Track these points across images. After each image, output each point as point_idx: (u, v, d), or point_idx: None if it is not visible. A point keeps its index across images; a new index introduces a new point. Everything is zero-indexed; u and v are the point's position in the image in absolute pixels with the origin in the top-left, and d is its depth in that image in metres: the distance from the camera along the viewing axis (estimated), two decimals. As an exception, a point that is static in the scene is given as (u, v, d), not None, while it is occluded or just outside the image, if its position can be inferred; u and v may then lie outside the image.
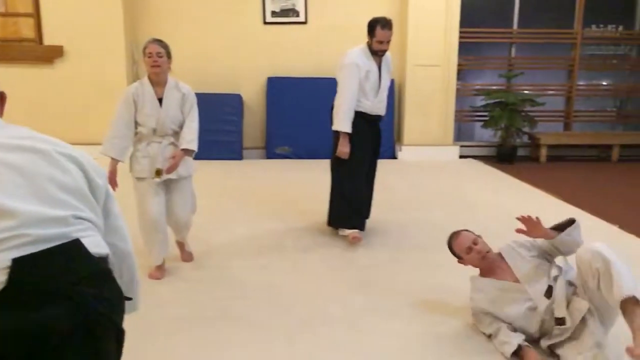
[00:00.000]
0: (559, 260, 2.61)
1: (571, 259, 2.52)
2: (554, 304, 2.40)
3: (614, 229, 4.37)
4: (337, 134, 3.96)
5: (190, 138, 3.23)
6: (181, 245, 3.61)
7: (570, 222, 2.51)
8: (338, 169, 4.06)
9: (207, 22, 7.24)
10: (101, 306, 1.21)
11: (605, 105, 8.11)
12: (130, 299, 1.44)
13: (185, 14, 7.20)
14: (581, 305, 2.32)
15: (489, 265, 2.65)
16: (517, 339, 2.44)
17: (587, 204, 5.06)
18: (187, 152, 3.25)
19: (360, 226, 4.07)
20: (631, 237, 4.17)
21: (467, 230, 2.77)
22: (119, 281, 1.45)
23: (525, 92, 7.69)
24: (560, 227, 2.54)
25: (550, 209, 5.02)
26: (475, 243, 2.65)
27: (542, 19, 7.68)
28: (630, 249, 3.97)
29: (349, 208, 4.03)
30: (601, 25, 7.77)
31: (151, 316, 2.81)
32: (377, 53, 3.90)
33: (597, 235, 4.29)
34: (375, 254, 3.84)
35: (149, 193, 3.26)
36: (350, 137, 3.89)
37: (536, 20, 7.65)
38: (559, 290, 2.41)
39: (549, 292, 2.42)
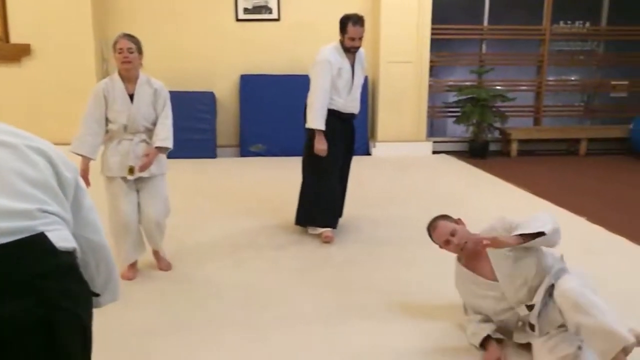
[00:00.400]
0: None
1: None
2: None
3: (582, 221, 4.48)
4: (309, 132, 3.94)
5: (164, 135, 3.18)
6: (157, 254, 3.48)
7: (540, 234, 2.33)
8: (310, 167, 4.04)
9: (178, 19, 7.17)
10: (65, 301, 1.19)
11: (573, 100, 8.28)
12: (97, 294, 1.43)
13: (156, 11, 7.11)
14: (555, 317, 2.27)
15: (471, 254, 2.53)
16: (487, 330, 2.47)
17: (556, 196, 5.18)
18: (161, 150, 3.21)
19: (333, 225, 4.07)
20: (598, 228, 4.28)
21: (445, 217, 2.61)
22: (96, 275, 1.43)
23: (498, 87, 7.81)
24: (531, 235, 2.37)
25: (521, 202, 5.12)
26: (453, 234, 2.49)
27: (511, 16, 7.80)
28: (597, 239, 4.08)
29: (322, 207, 4.01)
30: (569, 22, 7.93)
31: (125, 317, 2.79)
32: (349, 50, 3.88)
33: (565, 227, 4.39)
34: (350, 251, 3.86)
35: (120, 193, 3.21)
36: (325, 134, 3.87)
37: (506, 17, 7.77)
38: (538, 304, 2.33)
39: (530, 307, 2.36)
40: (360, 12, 3.91)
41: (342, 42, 3.88)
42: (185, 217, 4.43)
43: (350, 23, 3.78)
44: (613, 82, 8.11)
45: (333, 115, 3.91)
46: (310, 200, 4.04)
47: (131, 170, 3.18)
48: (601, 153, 7.79)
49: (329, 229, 4.02)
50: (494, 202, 5.09)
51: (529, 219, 2.41)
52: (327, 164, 3.95)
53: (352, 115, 4.11)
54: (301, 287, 3.27)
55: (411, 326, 2.78)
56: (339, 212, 4.20)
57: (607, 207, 4.99)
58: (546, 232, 2.29)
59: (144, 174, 3.20)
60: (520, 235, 2.34)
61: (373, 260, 3.69)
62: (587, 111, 8.23)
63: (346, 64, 3.90)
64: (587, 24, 7.96)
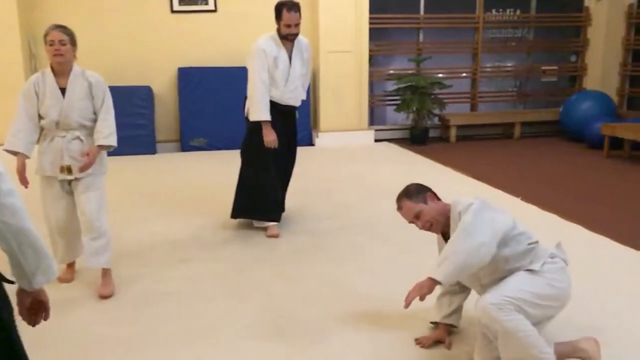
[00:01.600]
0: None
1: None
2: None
3: (517, 201, 4.67)
4: (249, 124, 3.86)
5: (107, 132, 2.99)
6: (105, 274, 3.11)
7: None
8: (250, 160, 3.95)
9: (110, 12, 6.92)
10: None
11: (506, 85, 8.57)
12: (12, 282, 1.40)
13: (86, 4, 6.84)
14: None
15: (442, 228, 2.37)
16: (437, 316, 2.54)
17: (492, 179, 5.36)
18: (103, 148, 3.03)
19: (276, 218, 4.00)
20: (532, 207, 4.47)
21: (412, 194, 2.37)
22: (22, 260, 1.39)
23: (439, 75, 7.99)
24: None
25: (461, 186, 5.27)
26: (417, 217, 2.32)
27: (446, 5, 7.97)
28: (531, 218, 4.25)
29: (263, 200, 3.92)
30: (500, 10, 8.18)
31: (62, 320, 2.69)
32: (287, 38, 3.79)
33: (501, 205, 4.57)
34: (296, 241, 3.87)
35: (52, 196, 3.06)
36: (262, 127, 3.76)
37: (441, 6, 7.94)
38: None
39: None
40: (298, 2, 3.86)
41: (278, 31, 3.79)
42: (125, 215, 4.32)
43: (284, 9, 3.70)
44: (543, 68, 8.45)
45: (271, 107, 3.80)
46: (250, 193, 3.95)
47: (69, 170, 3.00)
48: (534, 136, 8.12)
49: (274, 224, 3.97)
50: (434, 187, 5.20)
51: (447, 252, 2.16)
52: (268, 157, 3.85)
53: (291, 108, 3.99)
54: (248, 279, 3.25)
55: (358, 309, 2.82)
56: (281, 206, 4.12)
57: (540, 187, 5.21)
58: (441, 280, 2.12)
59: (80, 174, 3.02)
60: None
61: (319, 249, 3.72)
62: (520, 96, 8.54)
63: (283, 53, 3.81)
64: (518, 12, 8.24)
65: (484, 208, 2.20)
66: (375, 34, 7.63)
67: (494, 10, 8.13)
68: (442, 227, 2.34)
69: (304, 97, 4.12)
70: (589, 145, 7.10)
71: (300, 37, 3.92)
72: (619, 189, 5.13)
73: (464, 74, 8.27)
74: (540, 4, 8.24)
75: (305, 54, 3.97)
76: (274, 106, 3.82)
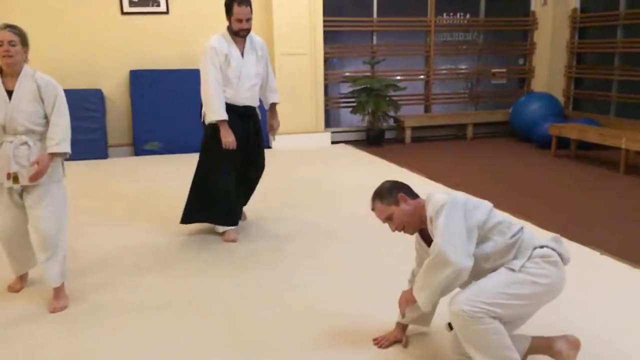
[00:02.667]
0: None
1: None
2: None
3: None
4: (207, 128, 3.73)
5: (59, 139, 2.79)
6: (57, 290, 2.94)
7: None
8: (205, 163, 3.83)
9: (59, 14, 6.70)
10: None
11: (459, 87, 8.77)
12: None
13: (33, 6, 6.60)
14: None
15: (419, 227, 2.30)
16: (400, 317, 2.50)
17: (447, 178, 5.47)
18: (55, 155, 2.82)
19: (230, 223, 3.90)
20: (486, 207, 4.58)
21: (384, 196, 2.28)
22: None
23: (397, 77, 8.09)
24: None
25: (416, 186, 5.34)
26: (389, 218, 2.26)
27: (399, 8, 8.09)
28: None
29: (216, 205, 3.81)
30: (451, 14, 8.37)
31: (10, 334, 2.58)
32: (239, 34, 3.68)
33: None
34: (254, 245, 3.84)
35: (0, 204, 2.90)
36: (218, 128, 3.65)
37: (394, 9, 8.05)
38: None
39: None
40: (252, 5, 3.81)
41: (229, 28, 3.70)
42: (76, 223, 4.18)
43: (235, 4, 3.59)
44: (493, 70, 8.69)
45: (227, 110, 3.69)
46: (204, 197, 3.82)
47: (15, 178, 2.80)
48: (486, 136, 8.33)
49: (231, 229, 3.90)
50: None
51: (424, 282, 2.12)
52: (223, 160, 3.74)
53: (249, 109, 3.87)
54: (204, 282, 3.20)
55: (317, 310, 2.82)
56: (236, 211, 3.98)
57: (493, 186, 5.35)
58: (421, 306, 2.16)
59: (30, 182, 2.82)
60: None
61: (277, 251, 3.70)
62: (471, 98, 8.76)
63: (234, 50, 3.70)
64: (468, 16, 8.45)
65: (454, 211, 2.07)
66: (329, 36, 7.67)
67: (444, 14, 8.31)
68: (418, 226, 2.27)
69: (276, 99, 4.09)
70: (538, 144, 7.35)
71: (255, 36, 3.87)
72: (565, 185, 5.32)
73: (414, 76, 8.40)
74: (488, 8, 8.47)
75: (259, 52, 3.86)
76: (230, 108, 3.71)
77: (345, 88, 7.94)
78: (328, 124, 8.05)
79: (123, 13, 6.92)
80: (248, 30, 3.70)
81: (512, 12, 8.60)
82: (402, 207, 2.24)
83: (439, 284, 2.05)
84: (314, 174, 5.96)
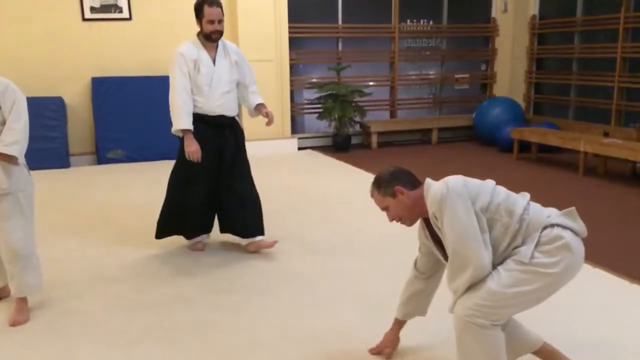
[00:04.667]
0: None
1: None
2: None
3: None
4: (181, 137, 3.56)
5: (10, 140, 2.64)
6: (20, 303, 2.86)
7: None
8: (174, 175, 3.68)
9: (18, 20, 6.53)
10: None
11: (423, 93, 8.89)
12: None
13: (-12, 10, 6.42)
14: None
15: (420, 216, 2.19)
16: (398, 313, 2.42)
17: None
18: (5, 157, 2.66)
19: (191, 235, 3.78)
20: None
21: (377, 189, 2.17)
22: None
23: (370, 83, 8.15)
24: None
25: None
26: (385, 209, 2.17)
27: (363, 15, 8.17)
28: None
29: (181, 216, 3.67)
30: (415, 20, 8.50)
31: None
32: (211, 37, 3.49)
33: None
34: (222, 253, 3.81)
35: None
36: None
37: (358, 15, 8.13)
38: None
39: None
40: None
41: (200, 32, 3.53)
42: (38, 233, 4.04)
43: (205, 5, 3.42)
44: (456, 76, 8.85)
45: (199, 121, 3.50)
46: (170, 210, 3.68)
47: None
48: (450, 140, 8.47)
49: (198, 239, 3.81)
50: (357, 193, 5.31)
51: (453, 286, 2.03)
52: (193, 173, 3.56)
53: (224, 119, 3.62)
54: (171, 292, 3.16)
55: (289, 319, 2.81)
56: (202, 224, 3.80)
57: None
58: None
59: None
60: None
61: (244, 260, 3.67)
62: (435, 103, 8.89)
63: (204, 55, 3.51)
64: (431, 23, 8.59)
65: (457, 203, 1.94)
66: (295, 43, 7.69)
67: (408, 21, 8.43)
68: (416, 218, 2.16)
69: (260, 100, 3.80)
70: (500, 148, 7.51)
71: (229, 42, 3.69)
72: (527, 187, 5.41)
73: (379, 82, 8.48)
74: (451, 15, 8.63)
75: (234, 57, 3.64)
76: (203, 119, 3.53)
77: (311, 94, 7.97)
78: (294, 130, 8.05)
79: (84, 19, 6.79)
80: (220, 33, 3.51)
81: (473, 19, 8.79)
82: (399, 200, 2.11)
83: (465, 285, 1.95)
84: (282, 180, 5.94)
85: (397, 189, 2.11)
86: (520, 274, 1.90)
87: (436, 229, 2.05)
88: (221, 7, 3.49)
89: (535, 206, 2.04)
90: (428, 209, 2.03)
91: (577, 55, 7.74)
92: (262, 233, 3.76)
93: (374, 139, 7.99)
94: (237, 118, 3.79)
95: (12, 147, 2.65)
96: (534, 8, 8.30)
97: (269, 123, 3.80)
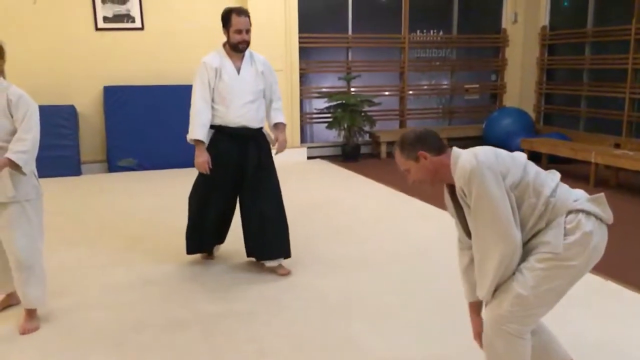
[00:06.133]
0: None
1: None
2: None
3: (445, 214, 4.80)
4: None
5: (17, 149, 2.65)
6: (29, 312, 2.87)
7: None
8: (195, 189, 3.60)
9: (32, 29, 6.62)
10: None
11: (432, 103, 8.89)
12: None
13: (6, 19, 6.50)
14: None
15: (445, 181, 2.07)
16: (467, 295, 2.16)
17: (421, 192, 5.51)
18: (12, 164, 2.65)
19: (192, 250, 3.69)
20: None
21: (401, 151, 2.05)
22: None
23: (385, 93, 8.17)
24: None
25: (390, 199, 5.39)
26: (407, 171, 2.07)
27: (373, 25, 8.21)
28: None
29: (191, 228, 3.61)
30: (424, 31, 8.52)
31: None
32: (238, 47, 3.40)
33: (431, 218, 4.71)
34: (231, 261, 3.81)
35: None
36: (208, 150, 3.40)
37: (368, 26, 8.16)
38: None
39: None
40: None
41: (227, 41, 3.44)
42: (49, 240, 4.08)
43: (234, 14, 3.35)
44: (466, 86, 8.84)
45: (220, 132, 3.42)
46: (193, 226, 3.60)
47: None
48: (460, 151, 8.43)
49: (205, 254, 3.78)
50: (366, 202, 5.31)
51: (477, 274, 1.97)
52: (207, 188, 3.48)
53: (247, 130, 3.45)
54: (178, 298, 3.17)
55: (293, 328, 2.81)
56: (221, 237, 3.75)
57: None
58: (483, 299, 1.99)
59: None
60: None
61: (254, 271, 3.67)
62: (445, 113, 8.89)
63: (228, 63, 3.41)
64: (441, 33, 8.60)
65: (486, 179, 1.83)
66: (305, 52, 7.73)
67: (418, 31, 8.45)
68: (437, 184, 2.05)
69: (281, 119, 3.65)
70: (510, 159, 7.46)
71: (257, 53, 3.60)
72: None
73: (388, 92, 8.48)
74: (461, 26, 8.64)
75: (260, 68, 3.53)
76: (223, 130, 3.43)
77: (321, 103, 7.99)
78: (304, 139, 8.08)
79: (97, 29, 6.87)
80: (247, 43, 3.42)
81: (483, 30, 8.79)
82: (421, 164, 1.99)
83: (494, 267, 1.85)
84: (291, 189, 5.93)
85: (421, 154, 1.99)
86: (544, 271, 1.83)
87: (462, 204, 1.95)
88: (249, 17, 3.42)
89: (563, 188, 1.94)
90: (455, 183, 1.92)
91: (588, 66, 7.71)
92: (279, 256, 3.57)
93: (384, 149, 7.99)
94: (265, 131, 3.63)
95: (19, 155, 2.66)
96: (544, 19, 8.29)
97: (276, 150, 3.65)
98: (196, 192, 3.60)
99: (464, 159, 1.90)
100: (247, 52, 3.49)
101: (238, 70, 3.44)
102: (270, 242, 3.53)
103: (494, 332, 1.91)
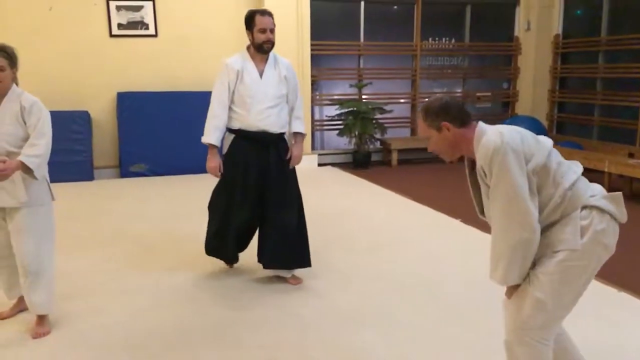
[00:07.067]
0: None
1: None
2: None
3: (456, 222, 4.80)
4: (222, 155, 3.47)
5: (29, 153, 2.66)
6: (39, 316, 2.87)
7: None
8: (216, 195, 3.53)
9: (47, 35, 6.71)
10: None
11: (444, 111, 8.85)
12: None
13: (19, 27, 6.60)
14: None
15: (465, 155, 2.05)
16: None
17: (432, 201, 5.50)
18: (24, 168, 2.66)
19: (210, 253, 3.63)
20: (471, 229, 4.60)
21: (424, 118, 2.00)
22: None
23: (384, 102, 8.17)
24: None
25: (401, 208, 5.37)
26: (428, 139, 2.05)
27: (385, 33, 8.22)
28: (471, 239, 4.38)
29: (209, 234, 3.57)
30: (437, 39, 8.51)
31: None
32: (262, 48, 3.32)
33: (442, 228, 4.69)
34: (243, 269, 3.81)
35: None
36: (227, 155, 3.40)
37: (380, 33, 8.18)
38: None
39: None
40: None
41: (251, 43, 3.37)
42: (61, 245, 4.12)
43: (257, 14, 3.30)
44: (478, 94, 8.82)
45: (240, 137, 3.35)
46: (214, 232, 3.53)
47: None
48: (471, 159, 8.40)
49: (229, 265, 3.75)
50: (377, 210, 5.29)
51: (492, 255, 1.92)
52: (226, 194, 3.42)
53: (268, 135, 3.35)
54: (192, 305, 3.17)
55: (309, 338, 2.80)
56: (242, 247, 3.66)
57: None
58: (502, 283, 1.91)
59: (10, 204, 2.73)
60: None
61: (264, 279, 3.68)
62: (457, 121, 8.84)
63: (250, 66, 3.33)
64: (453, 41, 8.60)
65: (509, 160, 1.78)
66: (316, 59, 7.76)
67: (430, 39, 8.45)
68: (456, 156, 2.04)
69: (300, 129, 3.54)
70: (522, 167, 7.41)
71: (282, 57, 3.51)
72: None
73: (400, 100, 8.48)
74: (473, 34, 8.62)
75: (284, 72, 3.42)
76: (243, 134, 3.36)
77: (332, 111, 8.01)
78: (315, 146, 8.09)
79: (112, 35, 6.95)
80: (272, 43, 3.35)
81: (496, 38, 8.77)
82: (443, 135, 1.96)
83: (510, 253, 1.82)
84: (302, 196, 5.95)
85: (444, 124, 1.95)
86: (560, 274, 1.81)
87: (481, 182, 1.92)
88: (272, 17, 3.36)
89: (582, 182, 1.90)
90: (477, 160, 1.89)
91: (602, 75, 7.66)
92: (301, 266, 3.51)
93: (395, 156, 7.98)
94: (286, 137, 3.54)
95: (31, 159, 2.67)
96: (557, 27, 8.26)
97: (289, 162, 3.51)
98: (217, 198, 3.53)
99: (488, 137, 1.85)
100: (271, 55, 3.42)
101: (261, 74, 3.36)
102: (292, 251, 3.45)
103: (516, 340, 1.89)
